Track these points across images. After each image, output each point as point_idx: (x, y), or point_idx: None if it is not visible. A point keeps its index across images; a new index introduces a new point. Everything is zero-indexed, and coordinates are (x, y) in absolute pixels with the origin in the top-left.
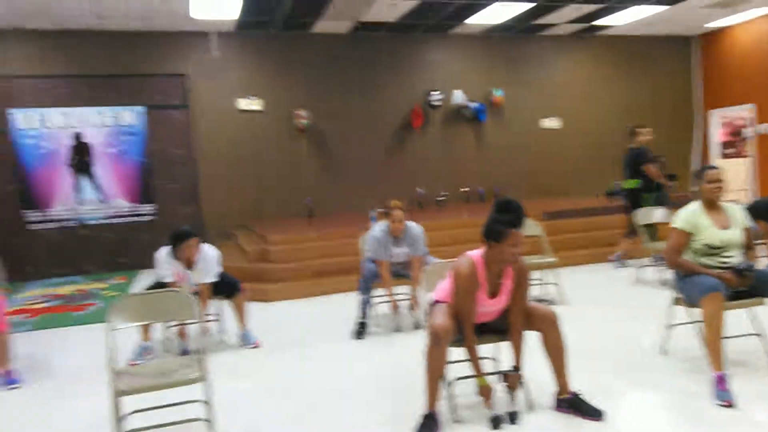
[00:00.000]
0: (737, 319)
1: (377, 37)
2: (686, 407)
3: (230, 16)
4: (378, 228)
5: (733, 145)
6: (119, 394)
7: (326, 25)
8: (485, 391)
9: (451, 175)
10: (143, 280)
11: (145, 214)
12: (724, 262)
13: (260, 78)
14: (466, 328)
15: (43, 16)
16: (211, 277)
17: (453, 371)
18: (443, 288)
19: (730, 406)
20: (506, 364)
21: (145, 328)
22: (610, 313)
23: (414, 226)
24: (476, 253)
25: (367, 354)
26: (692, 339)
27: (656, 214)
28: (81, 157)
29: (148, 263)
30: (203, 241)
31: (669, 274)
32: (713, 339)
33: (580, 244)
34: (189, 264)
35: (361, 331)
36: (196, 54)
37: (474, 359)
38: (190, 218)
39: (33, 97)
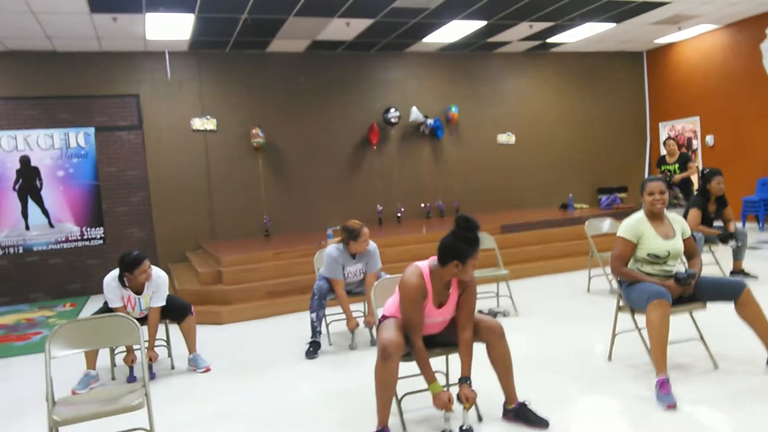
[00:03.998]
0: (679, 323)
1: (334, 55)
2: (631, 412)
3: (183, 36)
4: (333, 247)
5: None
6: (56, 425)
7: (282, 43)
8: (442, 397)
9: (409, 191)
10: (94, 305)
11: (94, 238)
12: (667, 271)
13: (215, 97)
14: (415, 338)
15: None
16: (161, 301)
17: (403, 386)
18: (392, 303)
19: (672, 408)
20: (454, 377)
21: (91, 356)
22: (560, 323)
23: (371, 243)
24: (424, 264)
25: (319, 373)
26: (637, 345)
27: (604, 225)
28: (28, 181)
29: (97, 289)
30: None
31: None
32: (658, 344)
33: (537, 256)
34: (138, 289)
35: (313, 350)
36: (149, 74)
37: (425, 368)
38: (142, 241)
39: None
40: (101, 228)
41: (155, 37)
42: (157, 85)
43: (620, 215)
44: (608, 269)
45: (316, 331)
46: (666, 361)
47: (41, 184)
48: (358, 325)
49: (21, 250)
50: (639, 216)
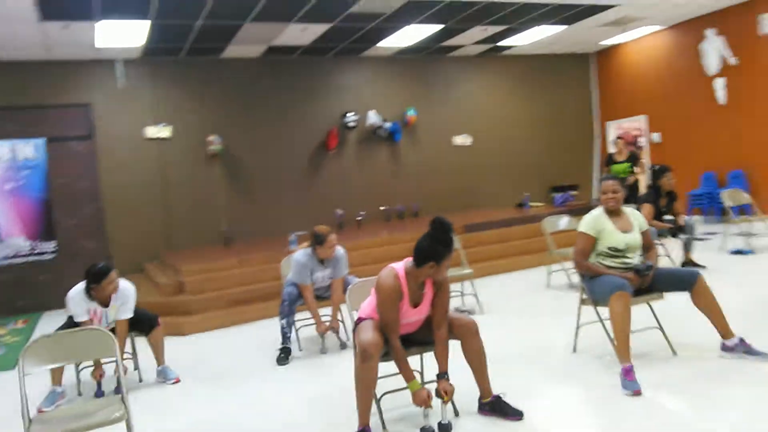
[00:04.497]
0: (637, 314)
1: (290, 60)
2: (598, 399)
3: (136, 43)
4: (302, 252)
5: None
6: None
7: (237, 49)
8: (421, 394)
9: (369, 194)
10: (48, 322)
11: (46, 252)
12: (626, 263)
13: (169, 105)
14: (393, 338)
15: None
16: (129, 313)
17: (380, 386)
18: (367, 304)
19: (638, 394)
20: (431, 374)
21: (57, 372)
22: (524, 318)
23: (338, 249)
24: (399, 265)
25: (292, 379)
26: (599, 337)
27: (562, 222)
28: None
29: (50, 305)
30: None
31: (577, 277)
32: (621, 334)
33: (497, 254)
34: (105, 301)
35: (284, 356)
36: (101, 83)
37: (404, 367)
38: (96, 254)
39: None
40: (53, 241)
41: (106, 44)
42: (109, 93)
43: (575, 212)
44: (567, 265)
45: (286, 337)
46: (629, 350)
47: None
48: (328, 329)
49: None
50: (598, 212)
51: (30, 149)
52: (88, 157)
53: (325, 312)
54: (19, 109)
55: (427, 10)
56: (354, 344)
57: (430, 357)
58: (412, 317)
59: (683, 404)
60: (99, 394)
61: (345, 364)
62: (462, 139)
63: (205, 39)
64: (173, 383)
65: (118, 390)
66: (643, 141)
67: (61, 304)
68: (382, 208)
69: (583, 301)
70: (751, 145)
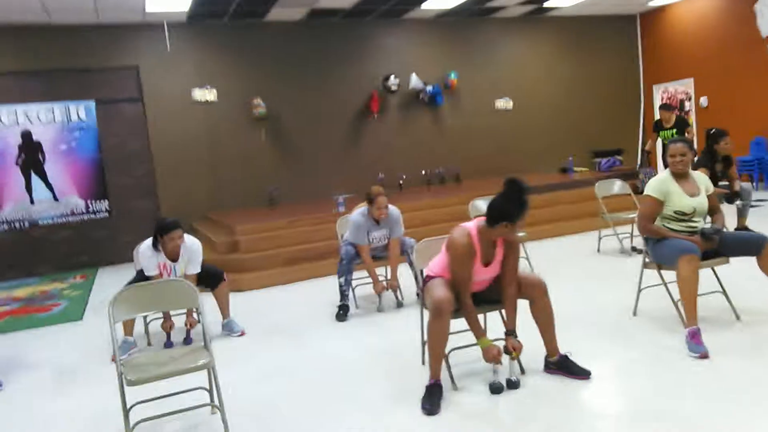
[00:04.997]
0: (699, 278)
1: (332, 23)
2: (663, 361)
3: (181, 7)
4: (358, 212)
5: None
6: (129, 384)
7: (280, 12)
8: (492, 351)
9: (410, 158)
10: (106, 276)
11: (100, 211)
12: (692, 227)
13: (214, 68)
14: (465, 295)
15: None
16: (197, 268)
17: (449, 343)
18: (437, 263)
19: (704, 357)
20: (497, 333)
21: (129, 323)
22: (578, 282)
23: (393, 210)
24: (471, 225)
25: (353, 335)
26: (659, 300)
27: (615, 187)
28: (31, 156)
29: (106, 260)
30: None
31: (632, 243)
32: (689, 297)
33: (544, 219)
34: (173, 256)
35: (343, 313)
36: (149, 46)
37: (475, 324)
38: (148, 213)
39: None
40: (106, 200)
41: (154, 9)
42: (157, 56)
43: (620, 177)
44: (618, 230)
45: (344, 295)
46: (696, 313)
47: (44, 158)
48: (385, 288)
49: (27, 225)
50: (665, 175)
51: (81, 111)
52: (137, 119)
53: (380, 272)
54: (69, 72)
55: None
56: (423, 301)
57: (492, 316)
58: (483, 276)
59: (746, 367)
60: (168, 345)
61: (402, 323)
62: (503, 103)
63: (248, 2)
64: (239, 336)
65: (186, 341)
66: (688, 105)
67: (115, 259)
68: (423, 172)
69: (646, 265)
70: None
